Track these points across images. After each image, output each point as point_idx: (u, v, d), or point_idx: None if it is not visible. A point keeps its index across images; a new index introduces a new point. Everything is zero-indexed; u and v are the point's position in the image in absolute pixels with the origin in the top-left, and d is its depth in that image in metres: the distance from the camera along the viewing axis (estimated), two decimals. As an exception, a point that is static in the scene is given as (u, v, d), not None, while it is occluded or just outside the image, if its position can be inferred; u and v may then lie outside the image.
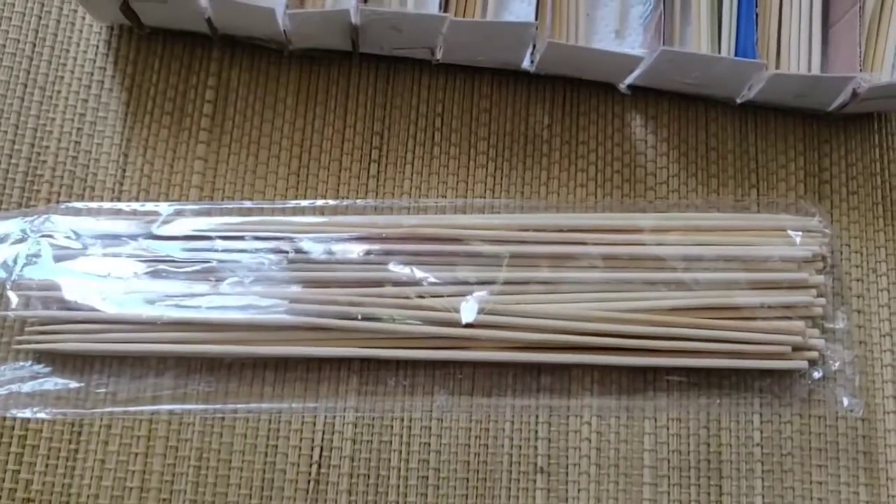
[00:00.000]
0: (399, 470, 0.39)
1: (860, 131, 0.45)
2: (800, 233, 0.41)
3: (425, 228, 0.40)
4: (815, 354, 0.39)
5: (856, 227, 0.43)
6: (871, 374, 0.40)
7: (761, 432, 0.40)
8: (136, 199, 0.41)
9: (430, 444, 0.39)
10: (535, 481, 0.39)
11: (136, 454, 0.38)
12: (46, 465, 0.38)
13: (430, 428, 0.39)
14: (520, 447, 0.39)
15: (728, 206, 0.42)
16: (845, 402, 0.39)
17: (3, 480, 0.38)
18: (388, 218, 0.41)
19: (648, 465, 0.39)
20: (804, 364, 0.39)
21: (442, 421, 0.39)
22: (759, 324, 0.39)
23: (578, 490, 0.39)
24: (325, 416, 0.39)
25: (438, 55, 0.43)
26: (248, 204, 0.41)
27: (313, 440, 0.39)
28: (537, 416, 0.39)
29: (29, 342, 0.39)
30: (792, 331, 0.39)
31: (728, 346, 0.39)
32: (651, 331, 0.39)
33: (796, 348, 0.39)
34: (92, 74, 0.43)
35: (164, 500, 0.38)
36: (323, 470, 0.38)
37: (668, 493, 0.39)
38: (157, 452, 0.38)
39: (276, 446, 0.39)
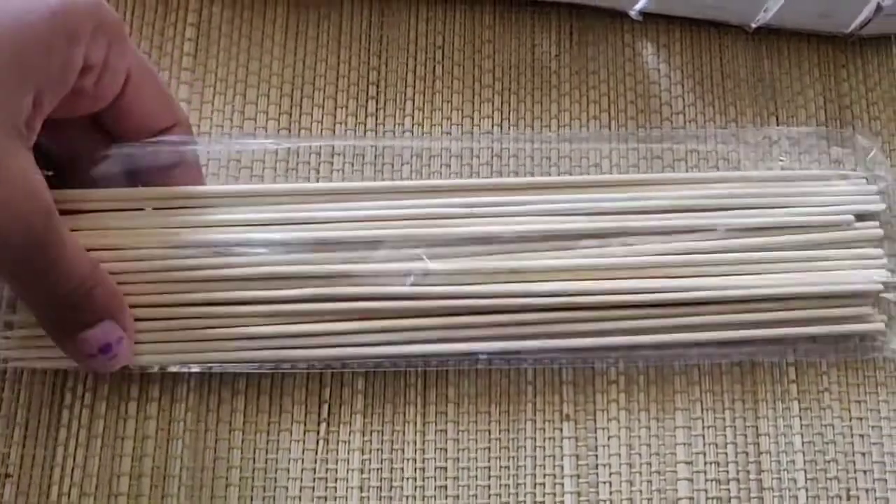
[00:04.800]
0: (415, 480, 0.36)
1: (878, 55, 0.43)
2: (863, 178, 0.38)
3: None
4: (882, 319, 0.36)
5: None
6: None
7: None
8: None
9: (446, 451, 0.36)
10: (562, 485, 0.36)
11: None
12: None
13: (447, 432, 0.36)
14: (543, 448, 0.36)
15: (751, 137, 0.40)
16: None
17: None
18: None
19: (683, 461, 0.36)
20: (881, 326, 0.36)
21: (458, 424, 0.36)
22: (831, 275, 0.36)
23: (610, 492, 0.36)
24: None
25: (437, -17, 0.40)
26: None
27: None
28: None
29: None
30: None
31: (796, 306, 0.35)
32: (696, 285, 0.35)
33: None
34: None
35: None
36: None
37: (706, 491, 0.36)
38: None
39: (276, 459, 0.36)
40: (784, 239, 0.36)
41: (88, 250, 0.32)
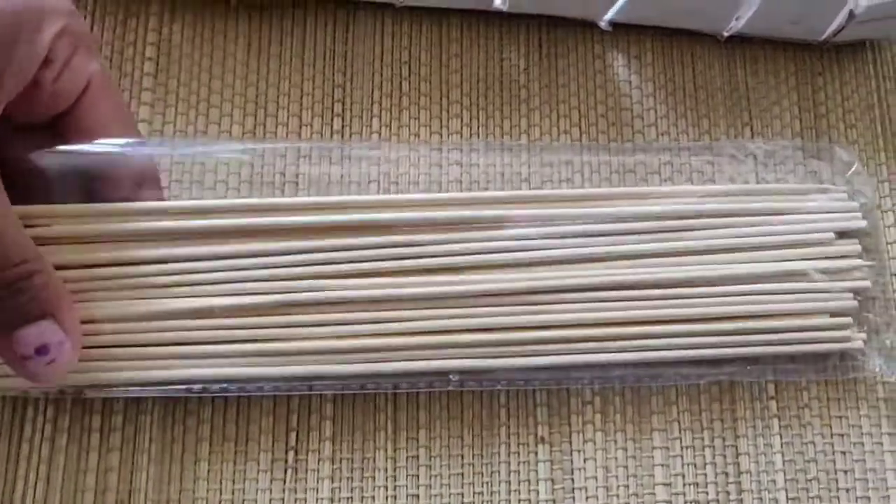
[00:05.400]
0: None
1: (854, 62, 0.42)
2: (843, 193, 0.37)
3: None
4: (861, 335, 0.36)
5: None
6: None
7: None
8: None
9: (418, 477, 0.35)
10: None
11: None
12: None
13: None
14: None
15: (726, 150, 0.39)
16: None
17: None
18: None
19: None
20: (860, 344, 0.35)
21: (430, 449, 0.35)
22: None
23: None
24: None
25: (402, -4, 0.39)
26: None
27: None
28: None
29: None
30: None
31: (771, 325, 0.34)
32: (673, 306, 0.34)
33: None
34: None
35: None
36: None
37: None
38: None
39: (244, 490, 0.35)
40: (763, 254, 0.35)
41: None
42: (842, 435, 0.36)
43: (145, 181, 0.34)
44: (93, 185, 0.33)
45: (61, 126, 0.32)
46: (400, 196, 0.36)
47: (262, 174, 0.37)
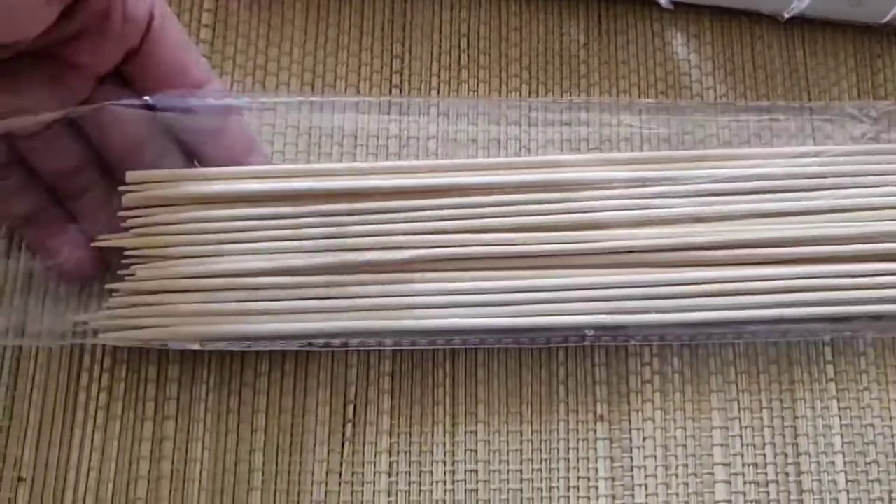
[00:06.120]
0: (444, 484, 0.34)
1: (913, 46, 0.42)
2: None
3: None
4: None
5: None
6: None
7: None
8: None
9: (476, 453, 0.34)
10: (597, 488, 0.34)
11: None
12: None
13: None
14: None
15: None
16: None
17: None
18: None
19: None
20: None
21: (489, 425, 0.35)
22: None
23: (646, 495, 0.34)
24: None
25: (462, -32, 0.39)
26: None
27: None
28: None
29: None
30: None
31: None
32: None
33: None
34: None
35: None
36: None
37: (744, 494, 0.35)
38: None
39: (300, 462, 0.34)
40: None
41: None
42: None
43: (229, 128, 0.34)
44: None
45: (130, 72, 0.32)
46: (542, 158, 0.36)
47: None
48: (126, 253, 0.32)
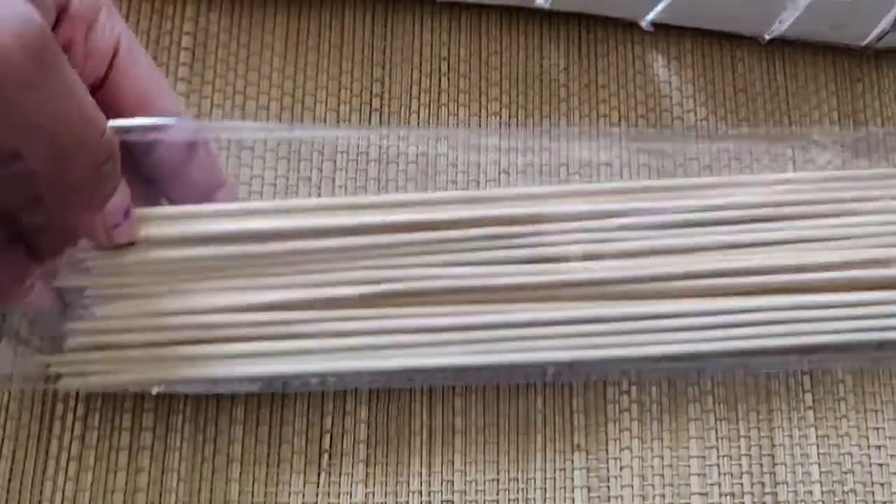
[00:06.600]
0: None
1: (893, 68, 0.42)
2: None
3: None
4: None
5: (897, 170, 0.40)
6: None
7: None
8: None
9: (453, 483, 0.34)
10: None
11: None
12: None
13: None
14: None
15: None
16: None
17: None
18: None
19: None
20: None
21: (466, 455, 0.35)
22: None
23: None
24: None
25: (442, -9, 0.38)
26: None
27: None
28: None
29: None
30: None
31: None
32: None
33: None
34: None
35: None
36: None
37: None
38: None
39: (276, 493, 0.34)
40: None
41: None
42: (877, 429, 0.36)
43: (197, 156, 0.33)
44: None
45: (98, 104, 0.31)
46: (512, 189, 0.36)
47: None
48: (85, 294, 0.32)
